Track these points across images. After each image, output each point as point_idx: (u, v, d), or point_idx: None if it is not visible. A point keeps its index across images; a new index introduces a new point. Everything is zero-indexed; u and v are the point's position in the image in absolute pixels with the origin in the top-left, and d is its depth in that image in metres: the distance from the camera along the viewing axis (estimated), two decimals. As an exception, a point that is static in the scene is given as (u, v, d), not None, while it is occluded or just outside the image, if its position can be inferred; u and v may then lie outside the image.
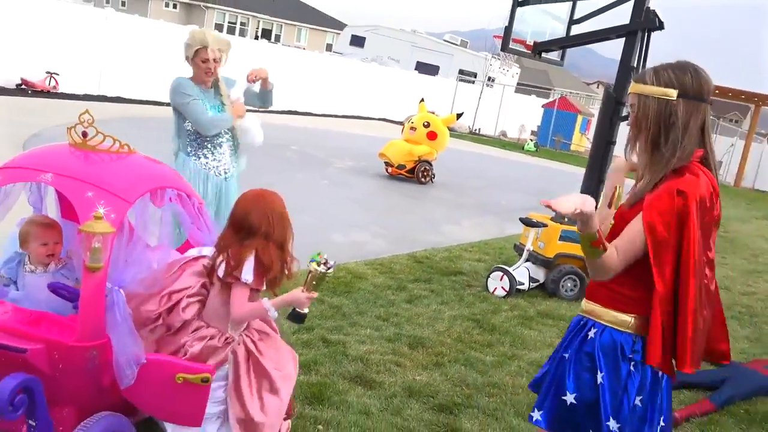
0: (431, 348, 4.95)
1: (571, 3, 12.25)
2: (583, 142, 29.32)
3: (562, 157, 25.25)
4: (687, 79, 2.38)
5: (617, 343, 2.41)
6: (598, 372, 2.41)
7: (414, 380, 4.37)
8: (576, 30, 12.73)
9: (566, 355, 2.53)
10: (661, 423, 2.43)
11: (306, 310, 2.86)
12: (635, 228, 2.32)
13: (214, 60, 4.49)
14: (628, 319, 2.41)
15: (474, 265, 7.59)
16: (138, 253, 2.72)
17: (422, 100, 13.75)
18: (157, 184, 2.81)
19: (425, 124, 12.81)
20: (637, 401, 2.39)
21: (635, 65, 10.97)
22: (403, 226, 9.24)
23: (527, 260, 6.81)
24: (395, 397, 4.07)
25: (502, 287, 6.47)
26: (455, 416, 3.99)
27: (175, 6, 50.76)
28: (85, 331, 2.52)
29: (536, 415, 2.59)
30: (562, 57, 13.02)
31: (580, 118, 29.42)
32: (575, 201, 2.15)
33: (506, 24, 11.14)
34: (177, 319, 2.74)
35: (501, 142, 28.61)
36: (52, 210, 3.28)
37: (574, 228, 6.88)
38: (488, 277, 6.61)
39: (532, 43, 11.47)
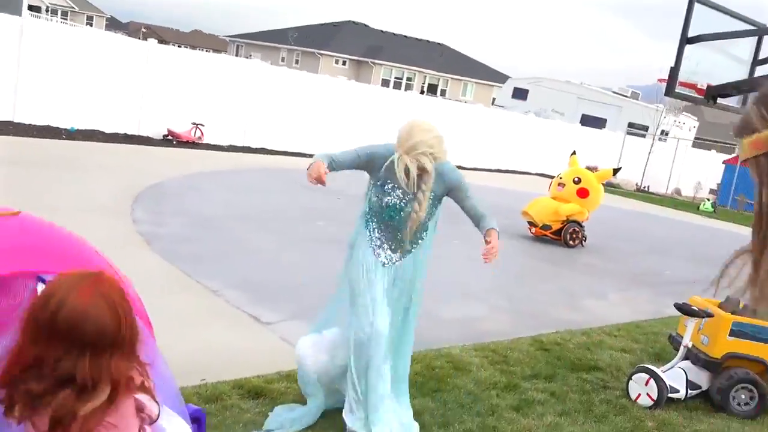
0: (530, 489, 3.54)
1: (756, 39, 10.38)
2: (771, 203, 26.03)
3: (745, 220, 22.31)
4: None
5: None
6: None
7: None
8: (761, 72, 10.85)
9: None
10: None
11: None
12: None
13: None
14: None
15: (616, 357, 6.01)
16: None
17: (574, 152, 12.22)
18: (12, 267, 1.75)
19: (576, 180, 11.28)
20: None
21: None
22: (533, 299, 7.79)
23: (685, 359, 5.18)
24: None
25: (648, 395, 4.90)
26: None
27: (344, 63, 52.14)
28: None
29: None
30: (744, 103, 11.14)
31: (768, 176, 26.20)
32: None
33: (673, 65, 9.57)
34: None
35: (673, 201, 25.99)
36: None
37: (754, 320, 5.18)
38: (630, 378, 5.06)
39: (704, 87, 9.77)
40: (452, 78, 55.40)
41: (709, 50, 9.74)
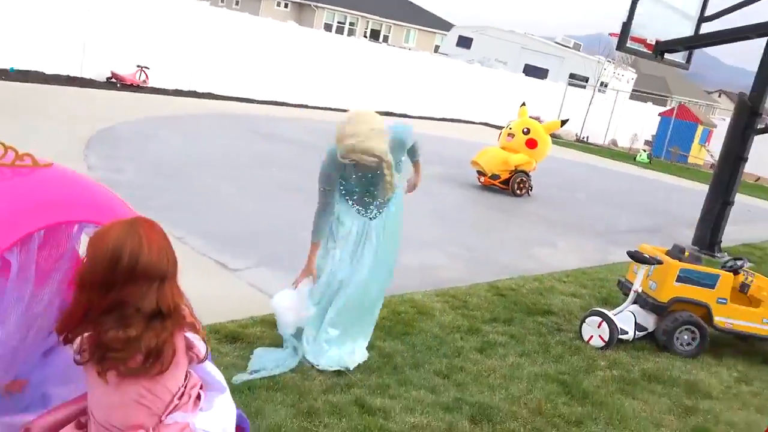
0: (500, 423, 3.81)
1: (703, -4, 10.72)
2: (702, 154, 27.01)
3: (679, 171, 23.20)
4: None
5: None
6: None
7: (469, 476, 3.28)
8: (706, 29, 11.20)
9: None
10: None
11: None
12: None
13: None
14: None
15: (567, 301, 6.36)
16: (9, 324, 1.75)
17: (523, 103, 12.47)
18: (55, 218, 1.84)
19: (525, 130, 11.55)
20: None
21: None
22: (487, 247, 8.07)
23: (634, 303, 5.53)
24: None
25: (600, 336, 5.24)
26: None
27: (286, 5, 51.07)
28: None
29: None
30: (689, 59, 11.54)
31: (700, 129, 27.10)
32: None
33: (625, 20, 9.86)
34: None
35: (610, 151, 26.73)
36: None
37: (697, 267, 5.54)
38: (583, 321, 5.39)
39: (653, 43, 10.11)
40: (395, 24, 54.89)
41: (660, 6, 10.03)
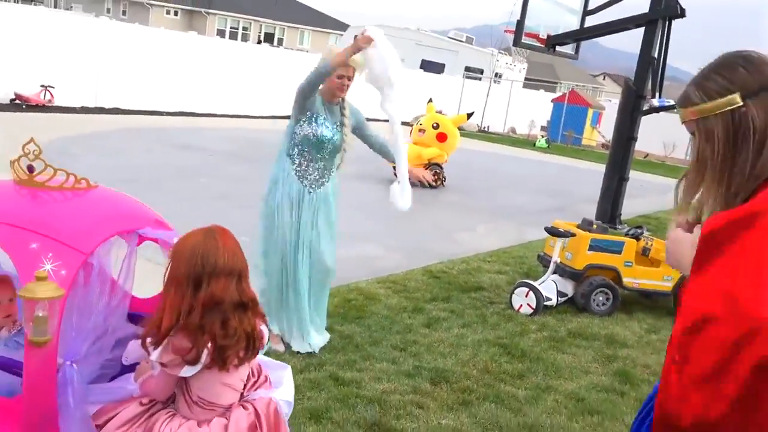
0: (456, 383, 4.40)
1: (586, -9, 11.60)
2: (594, 135, 28.67)
3: (576, 153, 24.62)
4: (741, 73, 1.71)
5: None
6: None
7: (439, 425, 3.84)
8: (591, 22, 12.10)
9: None
10: None
11: None
12: None
13: (348, 77, 4.45)
14: None
15: (494, 278, 7.04)
16: (96, 315, 2.18)
17: (430, 100, 13.20)
18: (123, 226, 2.27)
19: (434, 125, 12.26)
20: None
21: (656, 56, 10.35)
22: (415, 236, 8.69)
23: (554, 273, 6.25)
24: (419, 450, 3.54)
25: (528, 304, 5.92)
26: (489, 471, 3.45)
27: (176, 13, 50.25)
28: (32, 424, 1.99)
29: None
30: (576, 50, 12.43)
31: (590, 112, 28.75)
32: None
33: (518, 18, 10.58)
34: None
35: (511, 139, 28.00)
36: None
37: (606, 236, 6.31)
38: (512, 293, 6.06)
39: (545, 37, 10.90)
40: (288, 26, 54.94)
41: (548, 2, 10.88)
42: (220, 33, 46.76)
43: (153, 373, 2.19)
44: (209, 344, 2.10)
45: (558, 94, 33.82)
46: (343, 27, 51.60)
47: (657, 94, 10.45)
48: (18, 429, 2.01)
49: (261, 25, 53.31)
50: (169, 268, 2.17)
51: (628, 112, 10.39)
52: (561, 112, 28.36)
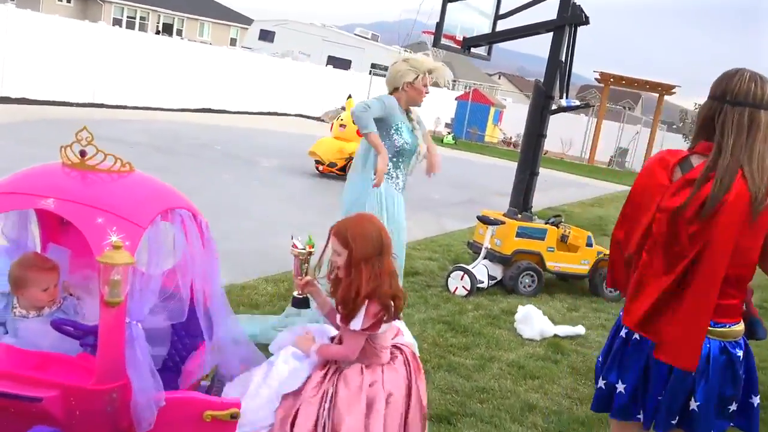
0: (411, 355, 4.83)
1: (497, -1, 12.27)
2: (496, 133, 29.85)
3: (480, 149, 25.60)
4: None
5: None
6: None
7: (403, 391, 4.26)
8: (502, 26, 12.82)
9: None
10: None
11: (300, 294, 3.10)
12: None
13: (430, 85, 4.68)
14: None
15: (427, 264, 7.52)
16: (153, 281, 2.47)
17: (350, 96, 13.60)
18: (167, 204, 2.57)
19: (355, 120, 12.65)
20: None
21: (563, 59, 11.14)
22: (346, 227, 9.07)
23: (485, 258, 6.79)
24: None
25: (464, 287, 6.43)
26: (454, 426, 3.90)
27: (69, 0, 48.38)
28: (105, 372, 2.27)
29: None
30: (489, 52, 13.13)
31: (492, 110, 29.93)
32: None
33: (438, 21, 11.10)
34: None
35: (417, 135, 28.70)
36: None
37: (531, 224, 6.90)
38: (449, 276, 6.56)
39: (461, 39, 11.50)
40: (188, 17, 53.86)
41: (463, 6, 11.49)
42: (117, 22, 45.29)
43: (324, 342, 2.86)
44: (395, 304, 2.71)
45: (457, 92, 34.88)
46: (246, 21, 51.13)
47: (564, 95, 11.23)
48: (86, 380, 2.28)
49: (159, 16, 52.03)
50: (353, 250, 2.69)
51: (538, 111, 11.13)
52: (465, 110, 29.37)
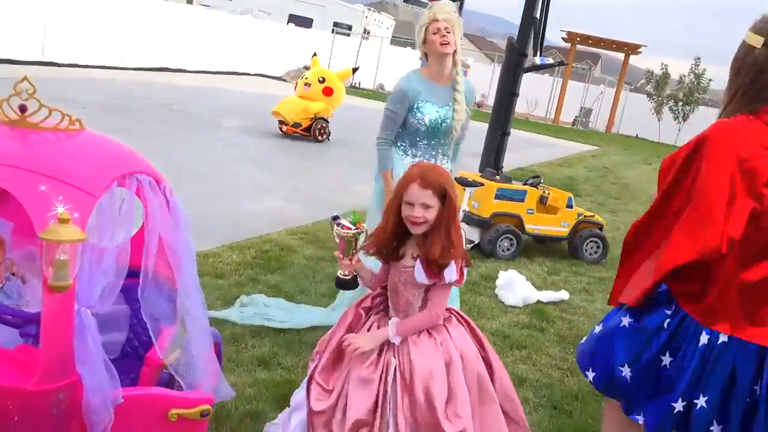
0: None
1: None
2: (460, 92, 29.47)
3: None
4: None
5: None
6: None
7: (385, 365, 3.97)
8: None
9: None
10: None
11: (347, 275, 2.88)
12: None
13: (446, 29, 3.80)
14: None
15: (400, 228, 7.21)
16: (106, 259, 2.10)
17: (315, 54, 13.14)
18: (125, 168, 2.19)
19: (320, 79, 12.21)
20: None
21: (537, 17, 10.81)
22: (313, 188, 8.72)
23: (462, 221, 6.50)
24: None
25: (440, 251, 6.14)
26: (442, 405, 3.63)
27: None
28: (50, 368, 1.92)
29: None
30: (460, 9, 12.79)
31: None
32: None
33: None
34: None
35: (381, 95, 28.24)
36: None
37: (510, 186, 6.62)
38: (424, 241, 6.26)
39: (431, -6, 11.05)
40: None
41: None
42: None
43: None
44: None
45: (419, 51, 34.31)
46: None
47: (538, 53, 10.91)
48: (27, 378, 1.93)
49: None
50: (452, 200, 2.49)
51: (511, 70, 10.81)
52: (429, 70, 28.85)
